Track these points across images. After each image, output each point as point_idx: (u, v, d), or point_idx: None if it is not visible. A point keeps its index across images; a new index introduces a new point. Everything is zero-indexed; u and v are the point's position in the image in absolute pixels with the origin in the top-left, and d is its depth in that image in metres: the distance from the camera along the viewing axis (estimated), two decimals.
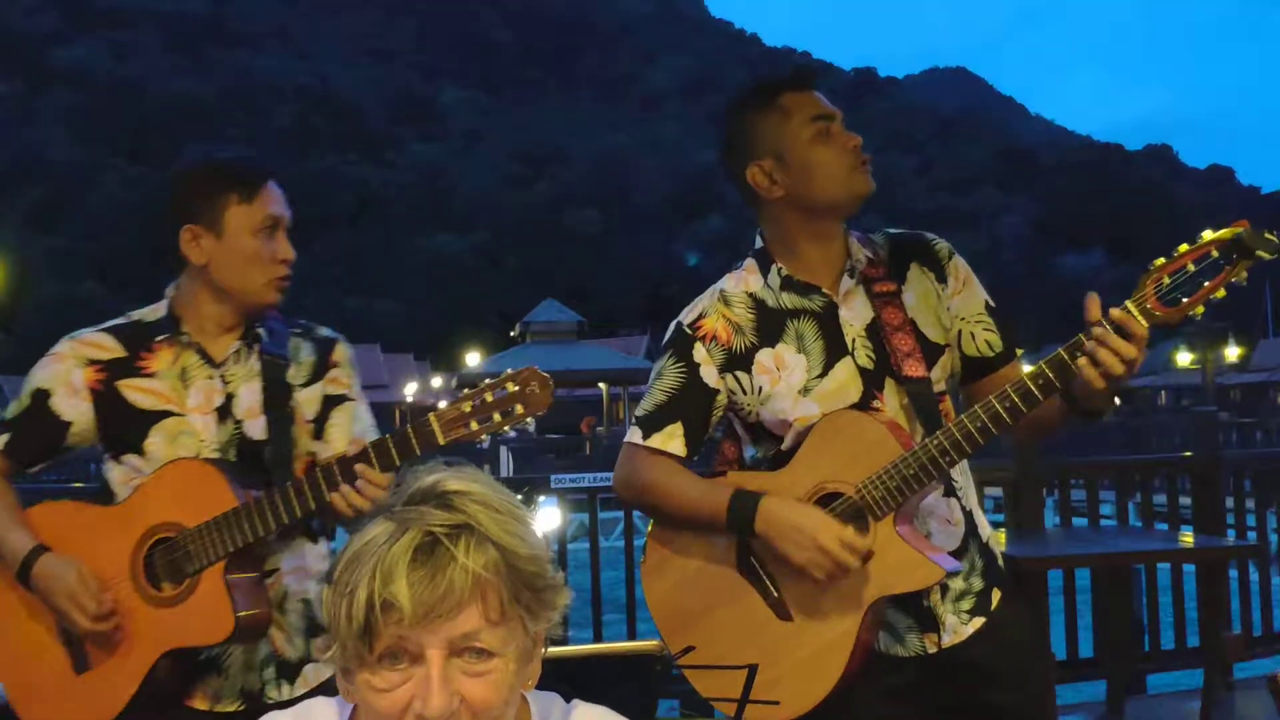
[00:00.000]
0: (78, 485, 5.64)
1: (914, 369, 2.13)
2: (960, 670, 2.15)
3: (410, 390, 49.04)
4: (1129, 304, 1.91)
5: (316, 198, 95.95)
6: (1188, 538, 4.92)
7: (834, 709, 2.06)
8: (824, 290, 2.18)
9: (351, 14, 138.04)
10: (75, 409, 2.26)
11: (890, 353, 2.14)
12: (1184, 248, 1.91)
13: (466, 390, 2.05)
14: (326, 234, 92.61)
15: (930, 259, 2.25)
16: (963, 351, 2.23)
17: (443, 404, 2.07)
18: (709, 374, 2.19)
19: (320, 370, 2.36)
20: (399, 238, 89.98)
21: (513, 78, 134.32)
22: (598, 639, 5.04)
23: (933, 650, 2.15)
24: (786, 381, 2.15)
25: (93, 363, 2.26)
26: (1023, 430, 2.07)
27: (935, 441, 2.02)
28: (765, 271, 2.22)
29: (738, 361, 2.18)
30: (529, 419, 2.03)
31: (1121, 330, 1.88)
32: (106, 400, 2.25)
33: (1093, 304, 1.91)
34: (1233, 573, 5.59)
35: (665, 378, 2.21)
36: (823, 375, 2.14)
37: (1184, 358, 48.57)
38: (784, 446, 2.17)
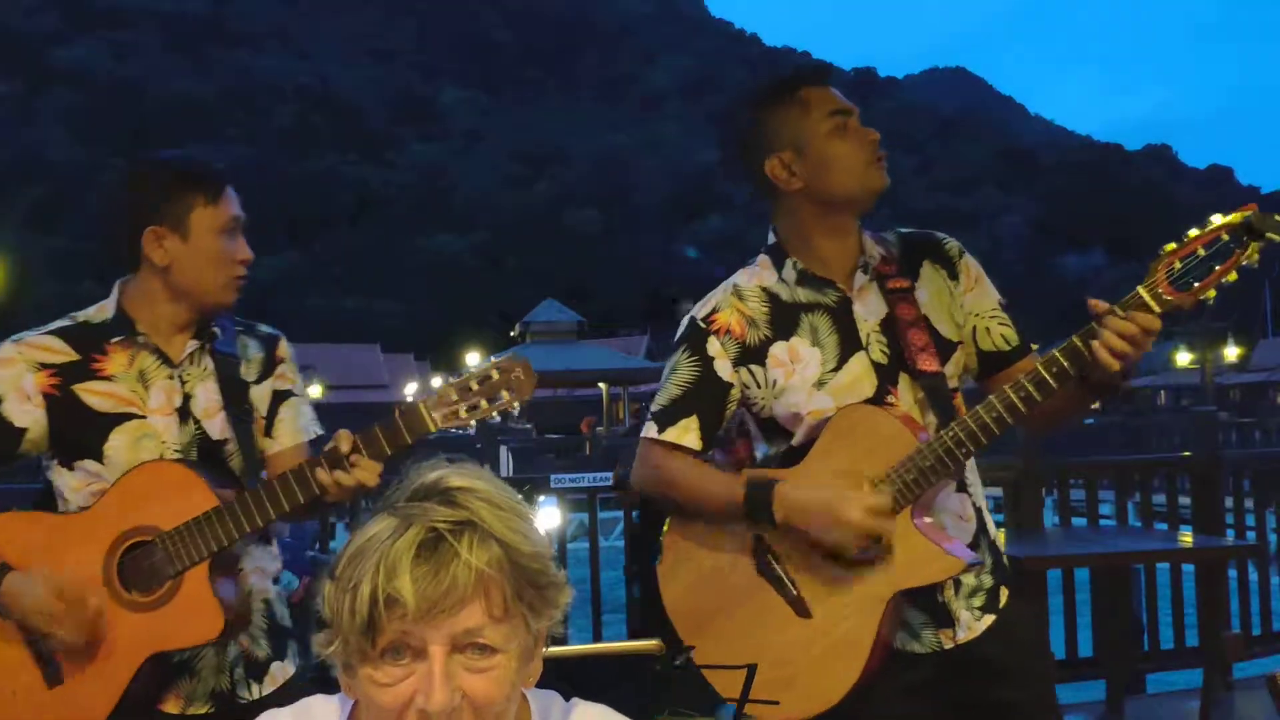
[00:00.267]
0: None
1: (928, 364, 2.14)
2: (973, 667, 2.16)
3: (410, 390, 49.04)
4: (1141, 289, 1.93)
5: (316, 198, 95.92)
6: (1187, 538, 4.92)
7: (853, 706, 2.06)
8: (838, 285, 2.19)
9: (351, 14, 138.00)
10: (29, 415, 2.19)
11: (905, 348, 2.15)
12: (1194, 232, 1.93)
13: (452, 380, 2.06)
14: (326, 234, 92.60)
15: (942, 257, 2.26)
16: (978, 347, 2.24)
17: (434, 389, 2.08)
18: (723, 368, 2.19)
19: (269, 367, 2.37)
20: (399, 238, 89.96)
21: (513, 78, 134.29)
22: (597, 639, 5.04)
23: (948, 646, 2.15)
24: (801, 375, 2.15)
25: (44, 366, 2.21)
26: (1036, 420, 2.08)
27: (951, 433, 2.03)
28: (779, 266, 2.22)
29: (751, 355, 2.18)
30: (515, 405, 2.06)
31: (1135, 314, 1.92)
32: (62, 405, 2.19)
33: (1098, 302, 1.95)
34: (1232, 572, 5.59)
35: (680, 371, 2.21)
36: (837, 369, 2.15)
37: (1183, 358, 48.50)
38: (795, 441, 2.17)
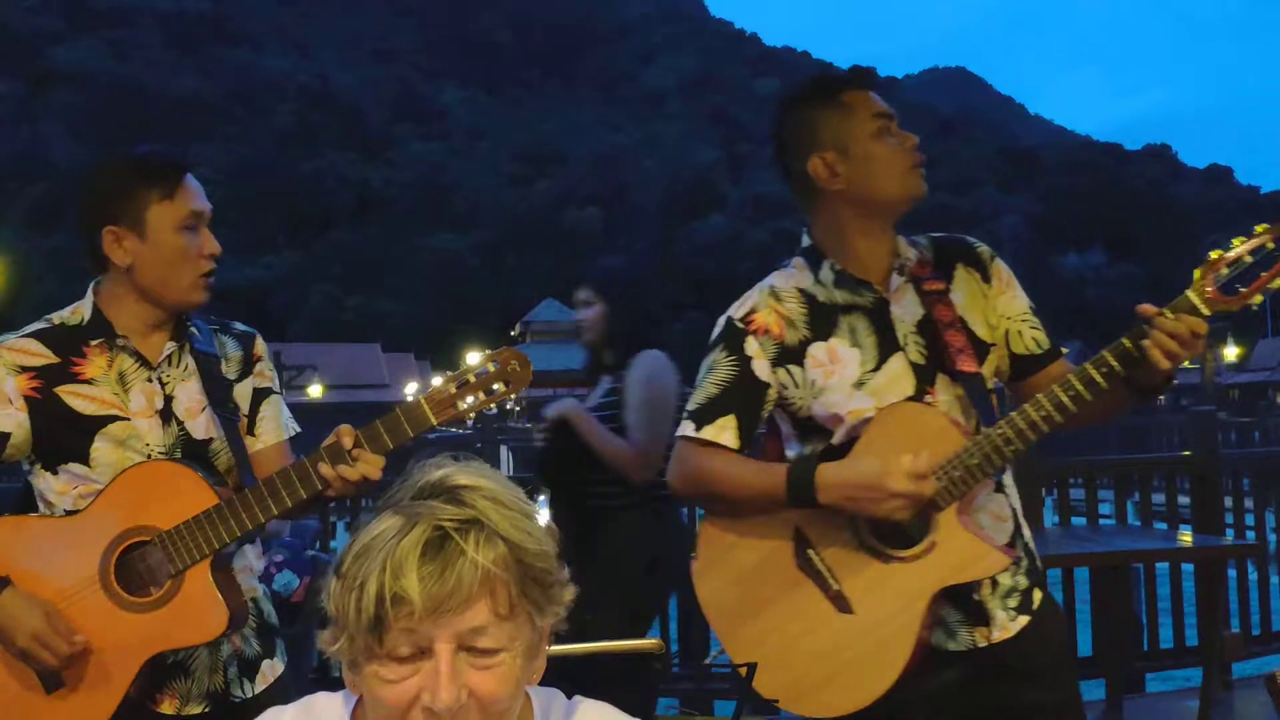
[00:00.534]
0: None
1: (967, 365, 2.16)
2: (1007, 668, 2.16)
3: (410, 389, 49.05)
4: (1190, 293, 1.99)
5: (317, 197, 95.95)
6: (1186, 537, 4.91)
7: (890, 703, 2.06)
8: (875, 287, 2.21)
9: (353, 14, 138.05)
10: (12, 419, 2.15)
11: (943, 349, 2.16)
12: (1239, 241, 1.99)
13: (450, 374, 2.08)
14: (327, 233, 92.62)
15: (975, 260, 2.28)
16: (1011, 350, 2.26)
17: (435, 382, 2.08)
18: (761, 368, 2.19)
19: (248, 365, 2.34)
20: (399, 237, 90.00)
21: (513, 77, 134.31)
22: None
23: (983, 644, 2.16)
24: (840, 375, 2.16)
25: (24, 370, 2.16)
26: (1076, 421, 2.11)
27: (999, 430, 2.05)
28: (816, 268, 2.23)
29: (790, 355, 2.19)
30: (512, 396, 2.06)
31: (1183, 316, 1.98)
32: (46, 408, 2.15)
33: (1146, 307, 2.01)
34: (1231, 572, 5.59)
35: (717, 370, 2.20)
36: (876, 369, 2.16)
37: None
38: (835, 441, 2.17)
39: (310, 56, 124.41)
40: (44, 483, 2.19)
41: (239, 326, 2.39)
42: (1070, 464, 6.40)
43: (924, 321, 2.18)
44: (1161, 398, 2.14)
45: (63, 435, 2.15)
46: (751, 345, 2.19)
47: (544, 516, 5.65)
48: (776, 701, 2.10)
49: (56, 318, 2.24)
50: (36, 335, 2.20)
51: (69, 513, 2.16)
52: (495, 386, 2.04)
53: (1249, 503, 6.17)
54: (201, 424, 2.23)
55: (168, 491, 2.08)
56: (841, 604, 2.10)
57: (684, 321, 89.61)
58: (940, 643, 2.14)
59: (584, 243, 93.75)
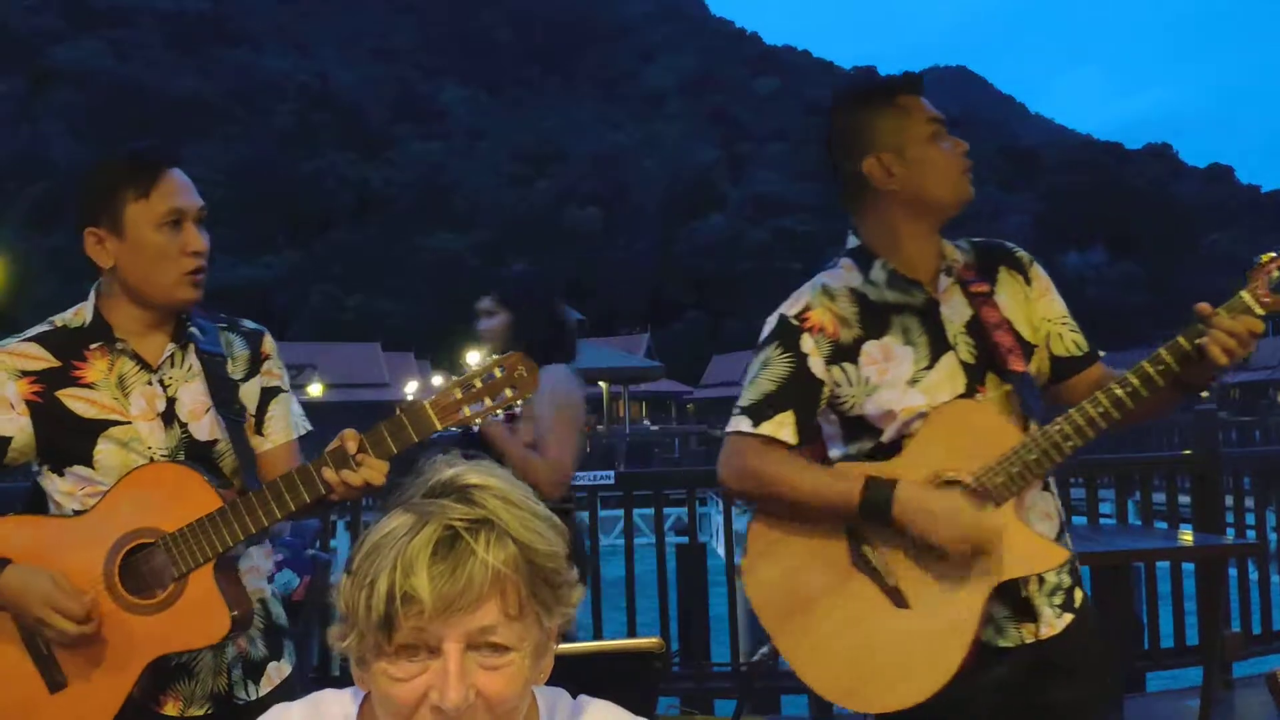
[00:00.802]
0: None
1: (1017, 364, 2.20)
2: (1052, 664, 2.19)
3: (411, 389, 49.00)
4: (1244, 293, 2.07)
5: (317, 196, 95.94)
6: (1187, 536, 4.91)
7: (944, 698, 2.07)
8: (924, 287, 2.24)
9: (352, 13, 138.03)
10: (14, 423, 2.15)
11: (994, 348, 2.20)
12: None
13: (455, 378, 2.04)
14: (327, 233, 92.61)
15: (1015, 264, 2.33)
16: (1052, 352, 2.31)
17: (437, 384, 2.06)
18: (816, 364, 2.20)
19: (255, 363, 2.32)
20: (400, 237, 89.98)
21: (513, 77, 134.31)
22: (598, 637, 5.05)
23: (1030, 640, 2.18)
24: (894, 372, 2.18)
25: (25, 374, 2.15)
26: (1132, 416, 2.16)
27: (1058, 426, 2.10)
28: (866, 268, 2.25)
29: (844, 353, 2.20)
30: (518, 402, 2.03)
31: (1239, 316, 2.06)
32: (47, 411, 2.15)
33: (1204, 306, 2.08)
34: (1232, 571, 5.59)
35: (773, 367, 2.21)
36: (929, 367, 2.19)
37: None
38: (885, 438, 2.19)
39: (310, 56, 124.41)
40: (51, 484, 2.19)
41: (247, 324, 2.37)
42: (1071, 463, 6.39)
43: (972, 322, 2.23)
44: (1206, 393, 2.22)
45: (65, 438, 2.15)
46: (807, 342, 2.20)
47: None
48: (828, 697, 2.13)
49: (59, 320, 2.23)
50: (38, 339, 2.20)
51: (77, 513, 2.16)
52: (503, 393, 2.01)
53: (1250, 502, 6.18)
54: (205, 425, 2.21)
55: (172, 493, 2.08)
56: (898, 599, 2.12)
57: (684, 321, 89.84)
58: (990, 639, 2.16)
59: (584, 242, 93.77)
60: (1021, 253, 2.36)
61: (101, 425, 2.16)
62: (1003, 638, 2.17)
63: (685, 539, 6.79)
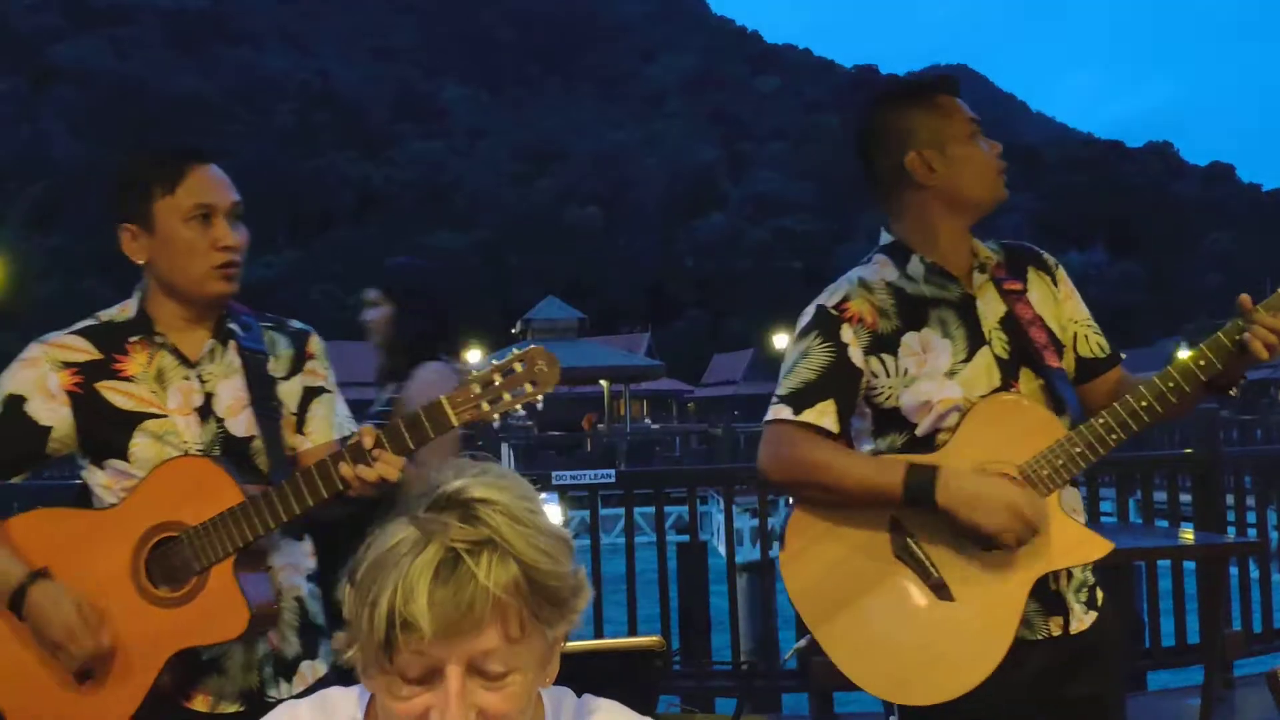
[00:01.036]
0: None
1: (1052, 360, 2.24)
2: (1076, 659, 2.22)
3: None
4: None
5: (318, 195, 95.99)
6: (1188, 535, 4.92)
7: (973, 693, 2.08)
8: (961, 282, 2.27)
9: (353, 12, 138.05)
10: (55, 414, 2.19)
11: (1029, 344, 2.24)
12: None
13: (475, 372, 2.01)
14: (328, 231, 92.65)
15: (1043, 265, 2.38)
16: (1077, 353, 2.35)
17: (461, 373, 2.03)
18: (856, 355, 2.22)
19: (298, 363, 2.32)
20: (400, 236, 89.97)
21: (514, 75, 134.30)
22: (598, 635, 5.05)
23: (1058, 634, 2.20)
24: (933, 364, 2.20)
25: (67, 365, 2.20)
26: (1171, 411, 2.21)
27: (1102, 420, 2.14)
28: (902, 263, 2.28)
29: (883, 344, 2.22)
30: (539, 397, 2.00)
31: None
32: (86, 403, 2.19)
33: (1246, 299, 2.13)
34: (1233, 570, 5.59)
35: (813, 356, 2.22)
36: (967, 360, 2.21)
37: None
38: (919, 431, 2.20)
39: (311, 55, 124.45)
40: (94, 477, 2.23)
41: (295, 324, 2.39)
42: None
43: (1006, 318, 2.26)
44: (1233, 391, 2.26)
45: (103, 430, 2.18)
46: (847, 332, 2.22)
47: (554, 513, 5.67)
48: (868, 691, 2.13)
49: (105, 315, 2.28)
50: (82, 332, 2.24)
51: (110, 506, 2.18)
52: (523, 388, 1.98)
53: (1250, 500, 6.18)
54: (242, 421, 2.23)
55: (197, 487, 2.09)
56: (943, 592, 2.13)
57: (684, 319, 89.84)
58: (1021, 633, 2.16)
59: (585, 241, 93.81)
60: (1048, 256, 2.41)
61: (138, 418, 2.18)
62: (1030, 631, 2.18)
63: (686, 537, 6.80)
